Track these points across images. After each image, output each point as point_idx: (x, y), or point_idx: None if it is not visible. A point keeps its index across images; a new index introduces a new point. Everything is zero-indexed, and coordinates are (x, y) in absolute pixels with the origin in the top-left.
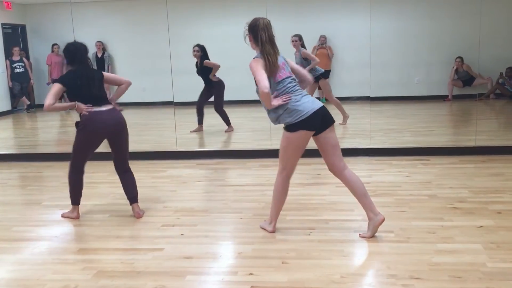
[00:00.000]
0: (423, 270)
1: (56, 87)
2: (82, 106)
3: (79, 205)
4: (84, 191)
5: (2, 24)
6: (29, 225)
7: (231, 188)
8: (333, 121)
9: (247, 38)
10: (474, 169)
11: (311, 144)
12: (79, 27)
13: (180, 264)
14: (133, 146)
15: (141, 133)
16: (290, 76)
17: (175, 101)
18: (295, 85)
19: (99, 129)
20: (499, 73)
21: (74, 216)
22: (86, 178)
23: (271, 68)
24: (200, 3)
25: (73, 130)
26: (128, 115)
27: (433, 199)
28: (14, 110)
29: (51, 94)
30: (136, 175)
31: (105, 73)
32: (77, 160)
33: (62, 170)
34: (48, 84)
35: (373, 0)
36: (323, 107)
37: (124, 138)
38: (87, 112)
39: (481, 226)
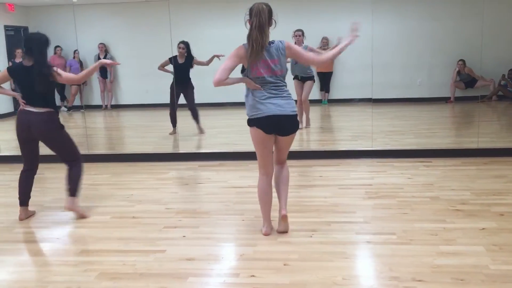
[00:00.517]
0: (426, 272)
1: (2, 73)
2: (20, 99)
3: (25, 207)
4: (86, 192)
5: (5, 26)
6: (31, 226)
7: (233, 189)
8: (291, 132)
9: (247, 23)
10: (476, 171)
11: (312, 146)
12: (81, 29)
13: (182, 266)
14: (135, 148)
15: (144, 135)
16: (273, 76)
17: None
18: (276, 86)
19: (16, 128)
20: (501, 75)
21: (19, 217)
22: (88, 179)
23: (252, 55)
24: (202, 5)
25: (74, 132)
26: (131, 117)
27: (435, 201)
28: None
29: None
30: (138, 177)
31: (59, 71)
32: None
33: (63, 172)
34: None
35: (375, 2)
36: (280, 116)
37: (46, 142)
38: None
39: (483, 228)
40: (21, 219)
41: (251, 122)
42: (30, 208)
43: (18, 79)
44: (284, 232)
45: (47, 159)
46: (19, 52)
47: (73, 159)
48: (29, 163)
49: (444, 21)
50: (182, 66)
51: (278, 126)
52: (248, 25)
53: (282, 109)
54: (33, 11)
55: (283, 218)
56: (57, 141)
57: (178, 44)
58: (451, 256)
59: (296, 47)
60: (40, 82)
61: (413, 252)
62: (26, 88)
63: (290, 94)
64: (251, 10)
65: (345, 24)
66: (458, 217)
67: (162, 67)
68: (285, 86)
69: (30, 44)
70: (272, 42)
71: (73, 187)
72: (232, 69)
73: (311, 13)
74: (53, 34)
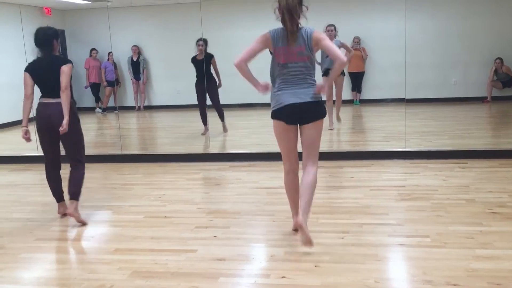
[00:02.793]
0: (461, 276)
1: (24, 76)
2: None
3: (62, 201)
4: (119, 192)
5: None
6: (67, 225)
7: (264, 190)
8: (313, 119)
9: (276, 11)
10: None
11: (343, 147)
12: (115, 31)
13: (213, 266)
14: (166, 148)
15: (175, 136)
16: (298, 63)
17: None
18: (297, 74)
19: (37, 121)
20: None
21: (58, 211)
22: (122, 179)
23: (279, 40)
24: (233, 7)
25: (108, 133)
26: (163, 118)
27: (471, 203)
28: None
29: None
30: (170, 177)
31: (63, 68)
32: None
33: (99, 172)
34: (86, 87)
35: (409, 0)
36: (301, 103)
37: (64, 135)
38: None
39: None
40: (60, 213)
41: (273, 114)
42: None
43: (34, 75)
44: (308, 245)
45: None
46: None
47: (79, 160)
48: (50, 159)
49: (480, 18)
50: (201, 62)
51: (299, 115)
52: (277, 12)
53: (301, 97)
54: (69, 14)
55: (299, 228)
56: (72, 135)
57: (197, 41)
58: (487, 260)
59: (323, 36)
60: (47, 74)
61: (448, 255)
62: (41, 81)
63: (314, 81)
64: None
65: (377, 23)
66: (495, 220)
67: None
68: (310, 74)
69: (37, 37)
70: (301, 28)
71: (76, 191)
72: (256, 52)
73: (343, 12)
74: (88, 37)
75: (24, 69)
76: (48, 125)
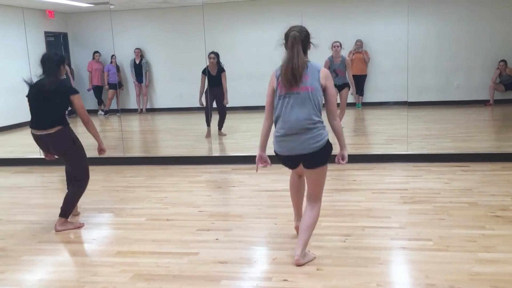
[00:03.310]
0: (463, 280)
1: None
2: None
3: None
4: (122, 194)
5: (45, 33)
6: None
7: (266, 193)
8: (314, 166)
9: (283, 46)
10: None
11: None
12: (118, 34)
13: (214, 268)
14: (169, 151)
15: (178, 138)
16: (301, 93)
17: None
18: (299, 108)
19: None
20: None
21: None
22: (124, 182)
23: (286, 81)
24: (236, 10)
25: (111, 135)
26: (165, 120)
27: (474, 206)
28: None
29: None
30: (172, 180)
31: (72, 98)
32: None
33: (102, 174)
34: (88, 90)
35: (411, 3)
36: (304, 154)
37: (63, 158)
38: None
39: None
40: (74, 215)
41: (274, 152)
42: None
43: (31, 101)
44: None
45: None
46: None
47: (79, 179)
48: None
49: (482, 22)
50: (215, 78)
51: (298, 161)
52: (284, 47)
53: (300, 148)
54: (72, 17)
55: (296, 264)
56: (73, 156)
57: (209, 54)
58: (490, 263)
59: (331, 83)
60: (44, 101)
61: (450, 259)
62: (34, 109)
63: (318, 121)
64: (286, 36)
65: (380, 26)
66: (498, 224)
67: (202, 87)
68: (315, 110)
69: (42, 63)
70: (308, 61)
71: (65, 209)
72: (272, 105)
73: (346, 15)
74: (91, 40)
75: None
76: (48, 152)
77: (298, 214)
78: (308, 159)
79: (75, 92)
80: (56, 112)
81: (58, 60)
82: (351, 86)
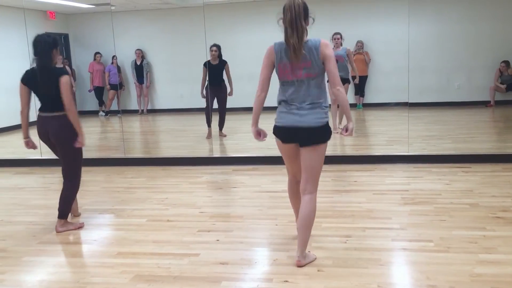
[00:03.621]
0: (464, 281)
1: (19, 87)
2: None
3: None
4: (122, 195)
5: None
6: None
7: (267, 194)
8: (311, 144)
9: (280, 22)
10: None
11: (346, 151)
12: (119, 35)
13: (215, 269)
14: (170, 152)
15: (178, 139)
16: (304, 80)
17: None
18: (303, 93)
19: (38, 134)
20: None
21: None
22: (125, 183)
23: (284, 56)
24: (237, 11)
25: (111, 136)
26: (166, 121)
27: (475, 207)
28: None
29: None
30: (172, 181)
31: (62, 80)
32: None
33: (102, 175)
34: (89, 91)
35: (412, 4)
36: (303, 128)
37: (60, 147)
38: None
39: None
40: (75, 215)
41: (273, 130)
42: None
43: (30, 86)
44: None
45: (87, 162)
46: (59, 58)
47: (70, 179)
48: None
49: (483, 22)
50: (216, 67)
51: (296, 137)
52: (281, 24)
53: (301, 120)
54: (73, 18)
55: (297, 265)
56: (69, 149)
57: (211, 47)
58: (491, 265)
59: (330, 51)
60: (44, 84)
61: (451, 260)
62: (38, 93)
63: (322, 103)
64: (283, 7)
65: (381, 27)
66: (499, 225)
67: (203, 80)
68: (319, 94)
69: (35, 46)
70: (306, 41)
71: (61, 209)
72: (268, 78)
73: (347, 16)
74: (92, 41)
75: (20, 78)
76: (46, 139)
77: (298, 213)
78: (306, 135)
79: (65, 73)
80: (59, 97)
81: (52, 42)
82: (354, 78)
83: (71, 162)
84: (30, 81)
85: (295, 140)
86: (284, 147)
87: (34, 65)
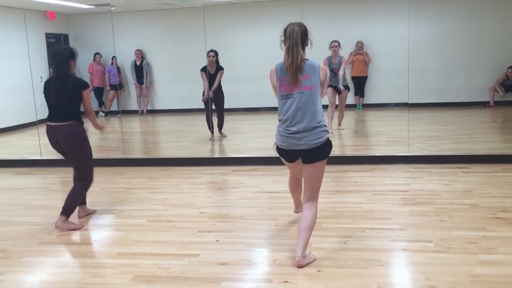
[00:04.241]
0: (464, 281)
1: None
2: None
3: (83, 205)
4: (122, 196)
5: (46, 34)
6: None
7: (267, 194)
8: (313, 161)
9: (282, 44)
10: None
11: (346, 151)
12: (119, 36)
13: (215, 270)
14: (169, 152)
15: (178, 140)
16: (303, 93)
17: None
18: (301, 107)
19: (49, 142)
20: None
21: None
22: (125, 183)
23: (283, 72)
24: (236, 11)
25: (111, 137)
26: (166, 122)
27: (475, 208)
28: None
29: None
30: (173, 181)
31: (84, 93)
32: None
33: (102, 176)
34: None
35: (412, 4)
36: (305, 150)
37: (71, 154)
38: None
39: None
40: (79, 217)
41: (277, 149)
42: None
43: (46, 93)
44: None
45: None
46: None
47: (80, 180)
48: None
49: (483, 23)
50: (213, 76)
51: (299, 156)
52: (283, 46)
53: (301, 142)
54: (73, 19)
55: (297, 265)
56: (78, 155)
57: (208, 52)
58: (491, 265)
59: (325, 74)
60: (57, 95)
61: (451, 260)
62: (49, 103)
63: (319, 119)
64: (285, 31)
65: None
66: (499, 225)
67: (205, 81)
68: (316, 109)
69: (53, 58)
70: (306, 60)
71: (67, 207)
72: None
73: (347, 17)
74: (92, 41)
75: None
76: (58, 148)
77: (298, 203)
78: (308, 154)
79: (87, 86)
80: (70, 106)
81: (67, 55)
82: (348, 86)
83: (82, 166)
84: (45, 88)
85: (299, 158)
86: (289, 163)
87: (50, 74)
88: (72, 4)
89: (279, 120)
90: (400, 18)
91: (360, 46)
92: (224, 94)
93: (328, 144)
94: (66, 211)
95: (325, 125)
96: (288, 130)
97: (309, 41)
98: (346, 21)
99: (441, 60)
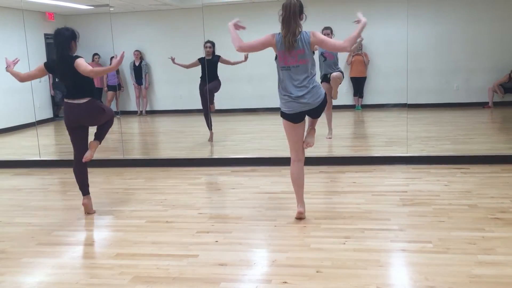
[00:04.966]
0: (463, 282)
1: (38, 66)
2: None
3: (87, 195)
4: (121, 197)
5: (45, 35)
6: (69, 229)
7: (266, 195)
8: (316, 116)
9: (281, 18)
10: None
11: (344, 152)
12: (118, 36)
13: (214, 271)
14: (168, 153)
15: (177, 140)
16: (300, 66)
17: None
18: (300, 77)
19: (64, 118)
20: None
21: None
22: (124, 184)
23: (283, 46)
24: (235, 12)
25: (110, 138)
26: (165, 123)
27: (474, 209)
28: (56, 117)
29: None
30: (172, 182)
31: (77, 61)
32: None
33: (101, 176)
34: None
35: (411, 5)
36: (310, 110)
37: (91, 123)
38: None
39: None
40: (84, 204)
41: (281, 114)
42: (68, 210)
43: (54, 74)
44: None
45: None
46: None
47: (108, 121)
48: (79, 151)
49: (482, 24)
50: (210, 62)
51: (304, 115)
52: (281, 20)
53: (305, 104)
54: (72, 19)
55: (298, 214)
56: (100, 121)
57: (205, 43)
58: (490, 266)
59: (320, 34)
60: (63, 76)
61: (450, 261)
62: (61, 81)
63: (316, 83)
64: (283, 5)
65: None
66: (498, 226)
67: (189, 65)
68: (313, 76)
69: (55, 38)
70: (301, 32)
71: (100, 133)
72: (252, 46)
73: (345, 17)
74: (91, 42)
75: (44, 62)
76: (76, 125)
77: (301, 202)
78: (312, 111)
79: (76, 58)
80: (82, 84)
81: (69, 35)
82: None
83: (104, 121)
84: (50, 68)
85: (303, 117)
86: (293, 127)
87: (54, 56)
88: (71, 5)
89: (282, 89)
90: (399, 19)
91: (359, 46)
92: (221, 83)
93: (325, 99)
94: (98, 136)
95: (318, 84)
96: (287, 97)
97: (304, 15)
98: (345, 22)
99: (439, 60)
